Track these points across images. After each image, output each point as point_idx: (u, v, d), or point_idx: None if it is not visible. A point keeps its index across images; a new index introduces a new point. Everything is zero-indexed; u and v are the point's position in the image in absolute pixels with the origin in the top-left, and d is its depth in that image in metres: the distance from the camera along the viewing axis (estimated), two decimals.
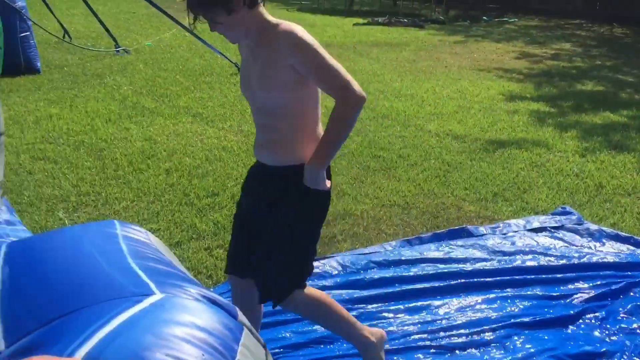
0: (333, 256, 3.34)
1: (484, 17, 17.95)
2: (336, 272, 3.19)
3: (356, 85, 1.98)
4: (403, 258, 3.34)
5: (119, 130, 5.40)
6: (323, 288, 3.01)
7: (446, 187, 4.47)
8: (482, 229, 3.72)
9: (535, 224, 3.80)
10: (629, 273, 3.24)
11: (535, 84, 8.55)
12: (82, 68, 7.87)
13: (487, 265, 3.30)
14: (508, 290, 3.10)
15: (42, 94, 6.49)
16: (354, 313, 2.82)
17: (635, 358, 2.57)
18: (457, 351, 2.63)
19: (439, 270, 3.22)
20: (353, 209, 4.01)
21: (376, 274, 3.18)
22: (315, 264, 3.22)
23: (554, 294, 3.07)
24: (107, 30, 9.18)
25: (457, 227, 3.73)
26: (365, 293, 3.01)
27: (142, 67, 8.17)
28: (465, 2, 18.71)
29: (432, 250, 3.43)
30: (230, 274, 2.34)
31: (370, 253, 3.39)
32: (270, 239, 2.17)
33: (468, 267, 3.27)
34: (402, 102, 6.98)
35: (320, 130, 2.16)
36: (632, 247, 3.52)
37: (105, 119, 5.70)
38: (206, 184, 4.28)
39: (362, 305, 2.92)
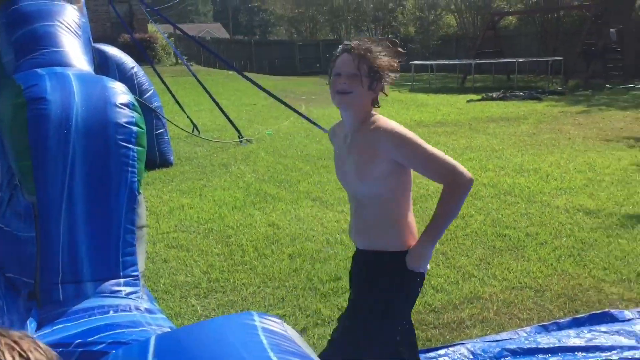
0: (463, 343, 3.18)
1: (607, 85, 17.24)
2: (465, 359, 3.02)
3: (462, 168, 2.06)
4: (540, 346, 3.11)
5: (244, 216, 5.63)
6: None
7: (582, 267, 4.17)
8: (628, 313, 3.40)
9: None
10: None
11: None
12: (209, 159, 8.40)
13: (636, 354, 2.99)
14: None
15: (175, 185, 6.96)
16: None
17: None
18: None
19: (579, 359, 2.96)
20: (481, 292, 3.84)
21: None
22: (443, 351, 3.10)
23: None
24: (230, 122, 9.81)
25: (598, 311, 3.45)
26: None
27: (263, 155, 8.58)
28: (584, 71, 18.11)
29: (571, 337, 3.17)
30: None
31: (502, 340, 3.19)
32: (363, 321, 2.22)
33: (614, 357, 2.98)
34: (524, 177, 6.75)
35: (412, 216, 2.24)
36: None
37: (232, 206, 5.99)
38: (328, 268, 4.30)
39: None
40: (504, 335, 3.26)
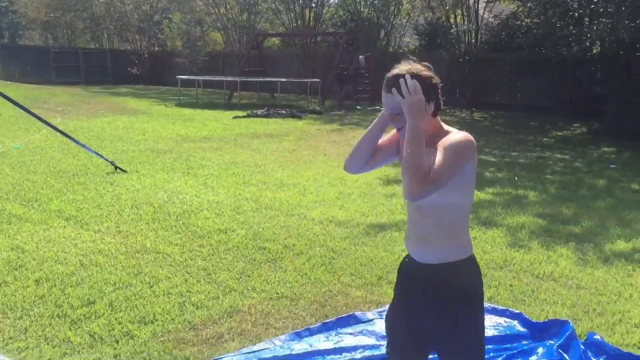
0: (221, 358, 3.21)
1: (358, 106, 18.99)
2: None
3: (435, 187, 2.00)
4: (293, 352, 3.26)
5: None
6: None
7: (332, 274, 4.50)
8: (369, 314, 3.75)
9: None
10: (508, 345, 3.37)
11: None
12: None
13: (375, 353, 3.30)
14: None
15: None
16: None
17: None
18: None
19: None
20: (240, 305, 3.91)
21: None
22: None
23: None
24: None
25: (345, 315, 3.74)
26: None
27: (8, 170, 7.72)
28: (338, 93, 19.72)
29: (322, 342, 3.39)
30: None
31: (259, 350, 3.29)
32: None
33: (357, 355, 3.26)
34: (284, 191, 7.08)
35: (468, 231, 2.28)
36: (508, 320, 3.68)
37: None
38: (81, 292, 4.01)
39: None
40: (260, 345, 3.36)
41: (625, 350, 3.36)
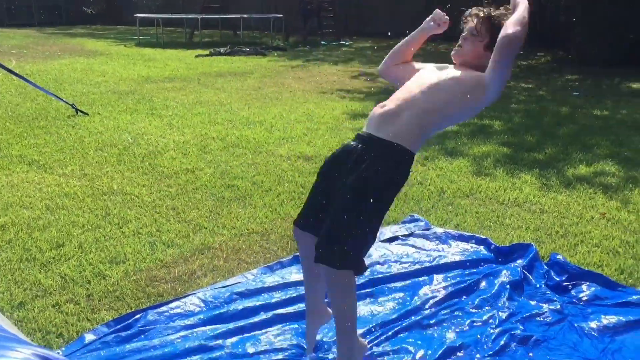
0: (194, 293, 3.24)
1: (322, 42, 18.69)
2: (198, 309, 3.08)
3: None
4: (265, 285, 3.31)
5: None
6: (186, 327, 2.90)
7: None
8: None
9: (388, 234, 3.96)
10: (474, 270, 3.48)
11: (376, 101, 8.97)
12: None
13: None
14: (367, 299, 3.19)
15: None
16: (219, 348, 2.74)
17: (488, 346, 2.76)
18: None
19: (302, 293, 3.22)
20: (211, 242, 3.93)
21: (240, 304, 3.13)
22: (175, 303, 3.12)
23: (408, 299, 3.20)
24: None
25: None
26: (231, 326, 2.94)
27: None
28: (302, 29, 19.35)
29: (293, 274, 3.44)
30: (301, 229, 2.52)
31: (231, 285, 3.32)
32: (347, 196, 2.28)
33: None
34: (251, 129, 7.02)
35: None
36: (475, 245, 3.79)
37: None
38: (49, 235, 3.97)
39: (226, 340, 2.84)
40: (232, 280, 3.40)
41: (586, 269, 3.50)
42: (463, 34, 2.53)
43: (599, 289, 3.24)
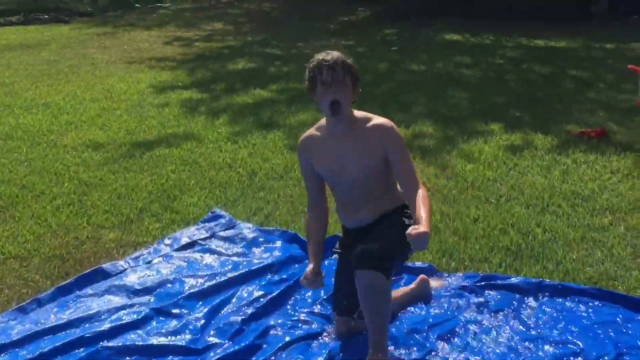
0: None
1: (137, 4, 17.13)
2: None
3: None
4: (14, 339, 2.50)
5: None
6: None
7: (81, 216, 3.69)
8: (121, 264, 3.07)
9: (184, 240, 3.30)
10: (284, 276, 2.94)
11: (189, 69, 8.18)
12: None
13: (125, 313, 2.67)
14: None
15: None
16: None
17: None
18: None
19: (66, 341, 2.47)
20: None
21: None
22: None
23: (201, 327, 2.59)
24: None
25: (89, 270, 3.02)
26: None
27: None
28: None
29: (53, 314, 2.66)
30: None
31: None
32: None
33: (106, 324, 2.58)
34: (33, 114, 5.90)
35: None
36: (286, 243, 3.25)
37: None
38: None
39: None
40: None
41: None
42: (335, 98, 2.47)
43: None
